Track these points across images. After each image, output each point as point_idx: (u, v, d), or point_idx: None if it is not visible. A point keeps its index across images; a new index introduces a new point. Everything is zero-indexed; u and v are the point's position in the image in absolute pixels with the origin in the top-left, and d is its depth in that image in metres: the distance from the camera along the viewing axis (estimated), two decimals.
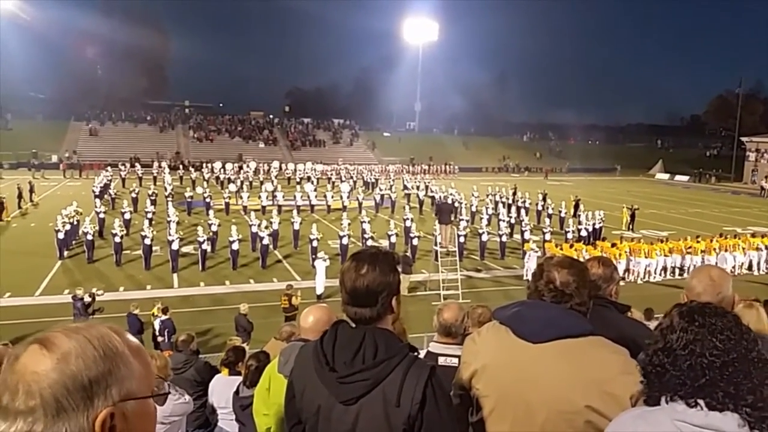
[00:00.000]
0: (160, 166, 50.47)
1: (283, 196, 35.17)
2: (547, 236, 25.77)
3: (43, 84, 78.97)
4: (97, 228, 26.00)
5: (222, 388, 6.22)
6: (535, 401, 2.04)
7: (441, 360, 3.53)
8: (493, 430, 2.16)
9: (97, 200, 33.00)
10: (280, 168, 53.81)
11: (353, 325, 2.10)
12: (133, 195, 34.06)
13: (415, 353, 2.05)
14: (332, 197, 35.98)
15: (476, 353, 2.27)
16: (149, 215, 28.00)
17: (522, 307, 2.24)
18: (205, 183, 41.51)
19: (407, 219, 27.21)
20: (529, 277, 2.38)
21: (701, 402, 1.46)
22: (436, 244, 21.39)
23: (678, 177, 69.95)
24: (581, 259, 2.90)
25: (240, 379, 5.58)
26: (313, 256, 21.48)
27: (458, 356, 2.70)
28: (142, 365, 1.12)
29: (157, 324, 14.38)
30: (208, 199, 32.58)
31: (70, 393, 1.02)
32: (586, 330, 2.09)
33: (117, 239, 22.72)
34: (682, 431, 1.46)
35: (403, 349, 2.01)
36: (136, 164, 50.63)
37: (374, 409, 1.93)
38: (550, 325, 2.10)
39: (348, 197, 36.18)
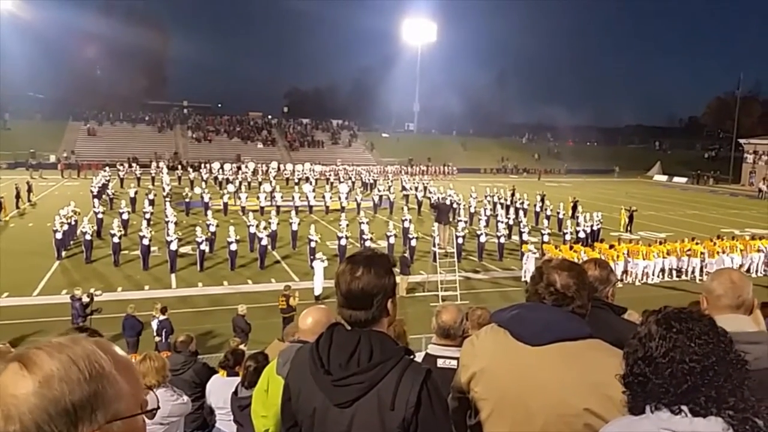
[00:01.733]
0: (158, 167, 50.34)
1: (282, 197, 35.16)
2: (546, 238, 25.76)
3: (42, 84, 78.95)
4: (95, 228, 25.99)
5: (220, 389, 6.21)
6: (535, 404, 2.04)
7: (440, 362, 3.53)
8: None
9: (95, 200, 32.97)
10: (279, 169, 53.87)
11: (348, 328, 2.09)
12: (132, 195, 33.97)
13: (411, 356, 2.05)
14: (331, 198, 36.00)
15: (474, 356, 2.26)
16: (147, 215, 27.96)
17: (521, 309, 2.24)
18: (203, 183, 41.49)
19: (405, 220, 27.21)
20: (528, 279, 2.37)
21: (685, 408, 1.46)
22: (434, 245, 21.40)
23: (676, 179, 70.02)
24: (579, 261, 2.91)
25: (238, 379, 5.58)
26: (312, 257, 21.48)
27: (457, 358, 2.70)
28: (130, 382, 1.08)
29: (154, 324, 14.36)
30: (206, 200, 32.57)
31: (52, 419, 0.96)
32: (584, 333, 2.08)
33: (115, 239, 22.68)
34: None
35: (399, 352, 2.00)
36: (135, 164, 50.63)
37: (369, 413, 1.92)
38: (549, 327, 2.09)
39: (346, 198, 36.24)
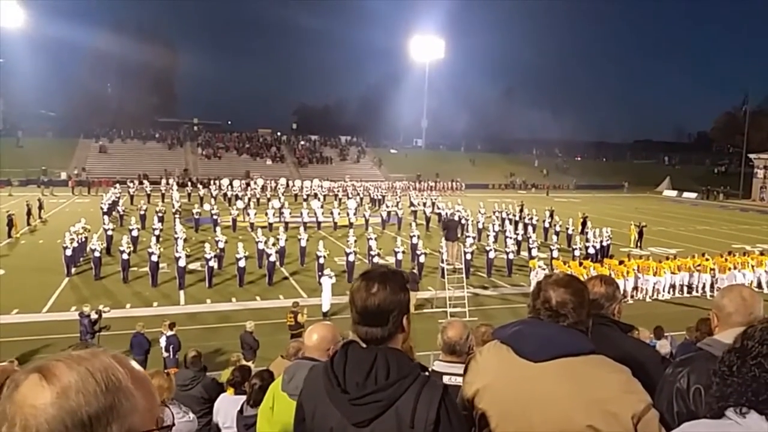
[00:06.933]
0: (168, 183, 50.71)
1: (290, 213, 35.30)
2: (555, 253, 25.64)
3: (53, 102, 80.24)
4: (104, 245, 26.13)
5: (227, 407, 6.21)
6: (537, 420, 2.04)
7: (446, 379, 3.50)
8: None
9: (106, 217, 33.15)
10: (287, 185, 54.16)
11: (364, 345, 2.07)
12: (141, 212, 34.12)
13: (427, 373, 2.04)
14: (339, 214, 36.04)
15: (478, 372, 2.26)
16: (157, 232, 28.04)
17: (522, 325, 2.24)
18: (212, 200, 41.61)
19: (414, 236, 27.11)
20: None
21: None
22: (442, 261, 21.33)
23: (686, 194, 69.73)
24: (588, 277, 2.88)
25: (245, 398, 5.57)
26: (320, 273, 21.48)
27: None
28: (146, 398, 1.09)
29: (162, 340, 14.36)
30: (215, 216, 32.71)
31: (68, 430, 0.98)
32: (587, 349, 2.08)
33: (124, 256, 22.76)
34: None
35: (415, 368, 1.98)
36: (145, 181, 50.94)
37: (387, 431, 1.90)
38: (550, 343, 2.10)
39: (355, 214, 36.29)
